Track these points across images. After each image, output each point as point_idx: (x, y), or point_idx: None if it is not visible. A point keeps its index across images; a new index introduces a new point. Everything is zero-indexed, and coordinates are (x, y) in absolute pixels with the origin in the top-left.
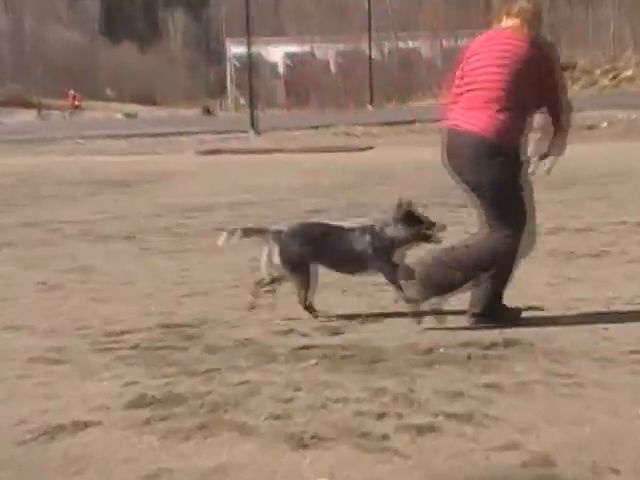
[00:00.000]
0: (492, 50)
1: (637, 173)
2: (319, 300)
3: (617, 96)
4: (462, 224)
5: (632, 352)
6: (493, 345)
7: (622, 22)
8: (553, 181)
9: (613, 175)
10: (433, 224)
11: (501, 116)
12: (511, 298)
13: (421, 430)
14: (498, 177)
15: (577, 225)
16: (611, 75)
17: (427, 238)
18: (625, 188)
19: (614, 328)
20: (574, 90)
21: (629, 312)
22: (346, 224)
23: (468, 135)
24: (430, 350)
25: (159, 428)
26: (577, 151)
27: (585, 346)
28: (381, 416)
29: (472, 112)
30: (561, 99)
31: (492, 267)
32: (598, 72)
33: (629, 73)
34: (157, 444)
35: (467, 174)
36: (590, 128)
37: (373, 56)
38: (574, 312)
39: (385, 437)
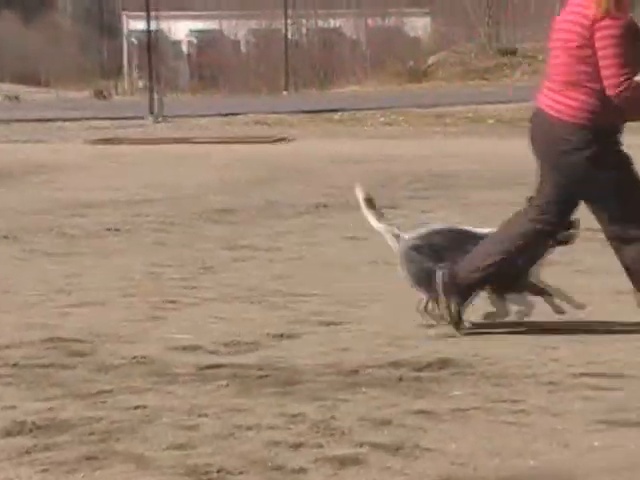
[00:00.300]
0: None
1: None
2: (227, 312)
3: None
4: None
5: (582, 375)
6: (428, 366)
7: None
8: (491, 179)
9: None
10: (572, 224)
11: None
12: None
13: (343, 462)
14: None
15: None
16: None
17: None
18: None
19: (564, 348)
20: (514, 78)
21: (580, 330)
22: (479, 229)
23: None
24: (355, 371)
25: (41, 459)
26: (516, 147)
27: (531, 368)
28: (298, 446)
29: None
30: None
31: None
32: (541, 58)
33: None
34: (38, 478)
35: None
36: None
37: (290, 36)
38: (519, 330)
39: (302, 470)
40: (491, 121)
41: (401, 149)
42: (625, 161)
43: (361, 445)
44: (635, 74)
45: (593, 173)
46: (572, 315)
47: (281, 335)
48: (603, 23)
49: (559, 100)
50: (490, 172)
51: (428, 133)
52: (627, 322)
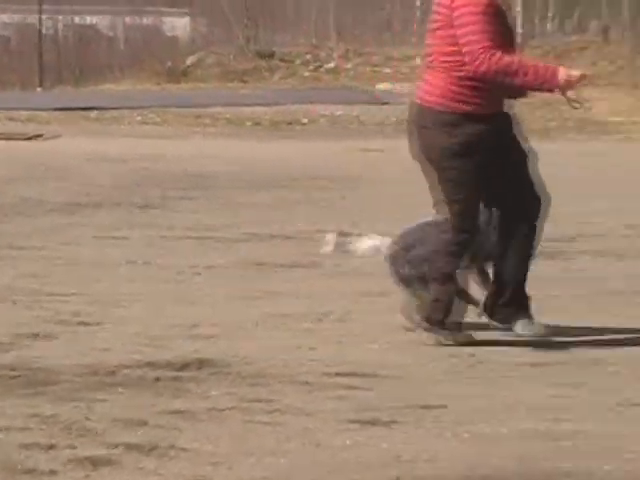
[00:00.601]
0: None
1: (339, 177)
2: None
3: (319, 90)
4: (155, 227)
5: (338, 374)
6: (186, 366)
7: (325, 9)
8: (250, 181)
9: (309, 178)
10: None
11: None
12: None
13: (96, 463)
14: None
15: (277, 232)
16: (312, 66)
17: None
18: (330, 192)
19: (322, 348)
20: (272, 81)
21: (339, 329)
22: None
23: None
24: (112, 371)
25: None
26: (274, 150)
27: (288, 368)
28: (49, 448)
29: None
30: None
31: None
32: (298, 62)
33: (332, 65)
34: None
35: None
36: (289, 124)
37: (44, 31)
38: (278, 330)
39: (53, 473)
40: (249, 123)
41: (159, 149)
42: (474, 152)
43: (115, 446)
44: (498, 50)
45: (443, 159)
46: (329, 316)
47: (36, 335)
48: (461, 1)
49: (421, 85)
50: (248, 174)
51: (187, 133)
52: (380, 322)
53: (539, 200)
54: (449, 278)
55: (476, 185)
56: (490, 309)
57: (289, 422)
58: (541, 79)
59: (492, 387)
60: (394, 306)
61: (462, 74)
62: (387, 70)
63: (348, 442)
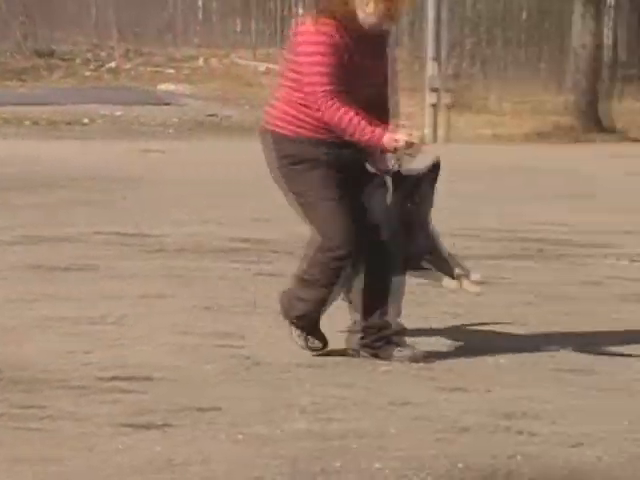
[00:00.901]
0: None
1: (119, 177)
2: None
3: (100, 89)
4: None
5: (112, 379)
6: None
7: (106, 6)
8: (27, 181)
9: (89, 179)
10: None
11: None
12: None
13: None
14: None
15: (55, 234)
16: (92, 65)
17: None
18: (109, 193)
19: (97, 351)
20: (52, 80)
21: (114, 332)
22: None
23: None
24: None
25: None
26: (53, 150)
27: (61, 373)
28: None
29: None
30: None
31: None
32: (79, 61)
33: (113, 65)
34: None
35: None
36: (69, 124)
37: None
38: (52, 334)
39: None
40: (28, 123)
41: None
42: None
43: None
44: (339, 95)
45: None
46: (105, 319)
47: None
48: (302, 33)
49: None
50: (26, 174)
51: None
52: (157, 325)
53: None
54: (320, 286)
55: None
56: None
57: (62, 427)
58: (367, 141)
59: (268, 389)
60: (171, 309)
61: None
62: (169, 71)
63: (121, 446)
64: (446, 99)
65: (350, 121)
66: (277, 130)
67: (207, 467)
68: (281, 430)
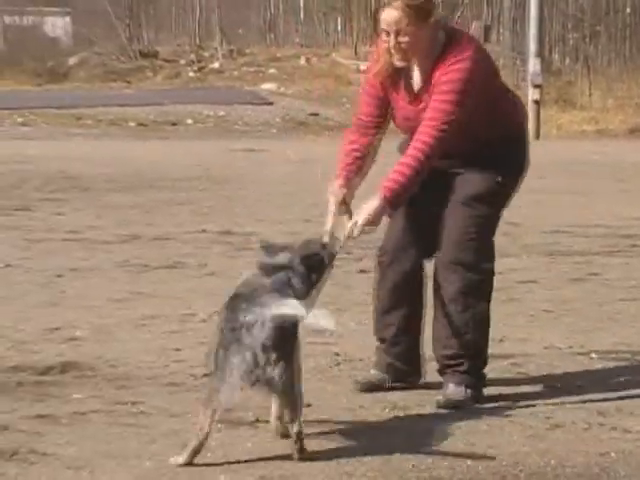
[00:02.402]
0: None
1: (222, 177)
2: None
3: (204, 90)
4: (22, 229)
5: (204, 376)
6: (49, 370)
7: (209, 8)
8: (127, 182)
9: (195, 179)
10: None
11: None
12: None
13: None
14: None
15: (153, 233)
16: (196, 66)
17: None
18: (213, 192)
19: (187, 349)
20: (156, 81)
21: (203, 330)
22: None
23: None
24: None
25: None
26: (158, 150)
27: (152, 370)
28: None
29: None
30: None
31: None
32: (182, 62)
33: (216, 65)
34: None
35: None
36: (174, 124)
37: None
38: (143, 332)
39: None
40: (132, 124)
41: (38, 150)
42: None
43: None
44: (355, 128)
45: None
46: (194, 317)
47: None
48: None
49: None
50: (126, 176)
51: (68, 135)
52: None
53: None
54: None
55: None
56: None
57: (154, 424)
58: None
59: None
60: None
61: None
62: (271, 70)
63: (214, 443)
64: (549, 95)
65: (338, 158)
66: None
67: (299, 462)
68: (371, 427)
